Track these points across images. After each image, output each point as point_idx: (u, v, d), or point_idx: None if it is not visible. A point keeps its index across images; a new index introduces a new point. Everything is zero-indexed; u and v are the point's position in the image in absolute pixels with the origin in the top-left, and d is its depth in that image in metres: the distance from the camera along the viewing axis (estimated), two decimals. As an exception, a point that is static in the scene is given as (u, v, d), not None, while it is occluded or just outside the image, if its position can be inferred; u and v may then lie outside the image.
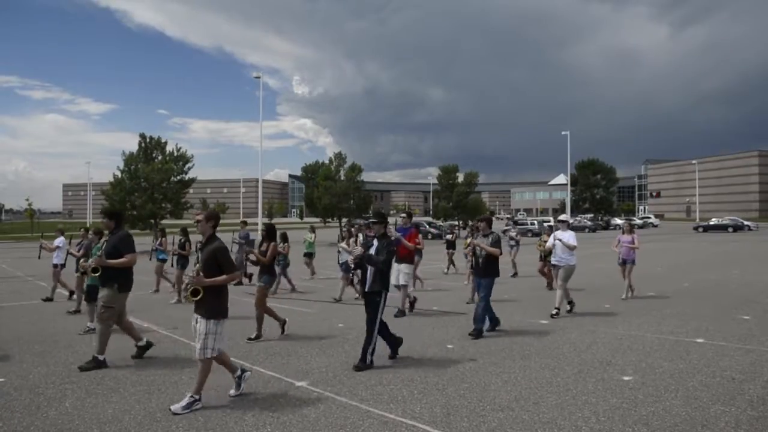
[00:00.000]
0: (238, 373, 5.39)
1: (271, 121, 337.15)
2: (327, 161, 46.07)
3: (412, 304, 10.08)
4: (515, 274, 15.87)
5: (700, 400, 5.02)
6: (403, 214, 10.56)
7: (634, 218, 71.73)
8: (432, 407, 4.95)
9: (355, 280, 11.57)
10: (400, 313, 9.60)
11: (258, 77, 37.96)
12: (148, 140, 35.94)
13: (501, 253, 8.10)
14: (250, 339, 7.76)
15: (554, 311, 9.41)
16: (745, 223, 51.67)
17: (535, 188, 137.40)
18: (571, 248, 9.47)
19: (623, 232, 11.71)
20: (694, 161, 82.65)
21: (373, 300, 6.49)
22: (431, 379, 5.82)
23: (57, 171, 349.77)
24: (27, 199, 60.35)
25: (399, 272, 9.62)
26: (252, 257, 8.18)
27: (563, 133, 65.80)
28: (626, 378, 5.75)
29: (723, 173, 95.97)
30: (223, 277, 5.14)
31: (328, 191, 41.00)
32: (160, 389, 5.58)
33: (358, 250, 6.74)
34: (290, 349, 7.26)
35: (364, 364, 6.24)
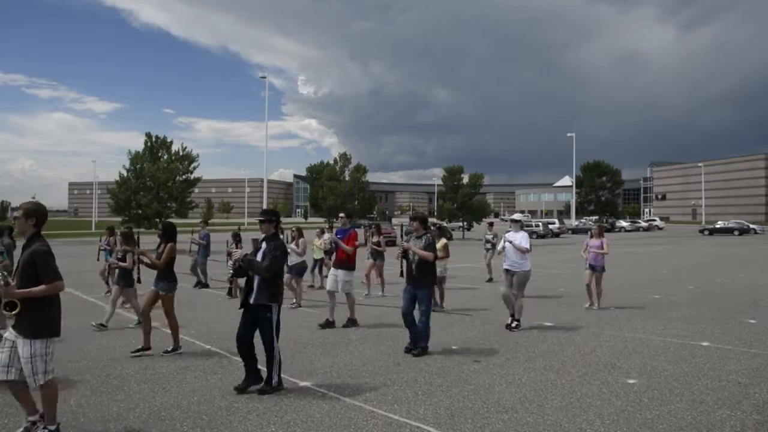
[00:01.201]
0: (33, 418, 4.22)
1: (276, 121, 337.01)
2: (332, 162, 46.15)
3: (327, 322, 8.72)
4: (490, 279, 14.86)
5: (706, 404, 5.00)
6: (342, 214, 9.63)
7: (639, 221, 71.48)
8: (436, 408, 4.95)
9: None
10: (350, 323, 8.77)
11: (264, 77, 38.09)
12: (153, 139, 35.99)
13: (436, 257, 7.12)
14: (166, 352, 6.98)
15: (513, 323, 8.47)
16: (751, 226, 51.42)
17: (540, 190, 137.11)
18: (523, 251, 8.38)
19: (592, 236, 10.65)
20: (700, 164, 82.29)
21: (262, 315, 5.50)
22: (435, 380, 5.82)
23: (63, 169, 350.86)
24: (33, 197, 60.65)
25: (337, 279, 8.84)
26: (145, 259, 7.23)
27: (569, 134, 65.97)
28: (631, 381, 5.74)
29: (729, 176, 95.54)
30: (41, 287, 4.02)
31: (332, 192, 41.06)
32: (164, 388, 5.59)
33: (238, 253, 5.88)
34: (294, 349, 7.27)
35: (269, 386, 5.42)
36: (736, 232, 49.55)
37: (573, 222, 62.54)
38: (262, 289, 5.48)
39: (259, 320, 5.51)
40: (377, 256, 12.58)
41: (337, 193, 41.11)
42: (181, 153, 36.17)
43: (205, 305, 11.03)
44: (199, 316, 9.81)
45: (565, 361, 6.58)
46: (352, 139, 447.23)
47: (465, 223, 47.67)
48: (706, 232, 50.90)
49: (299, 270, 11.21)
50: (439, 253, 9.22)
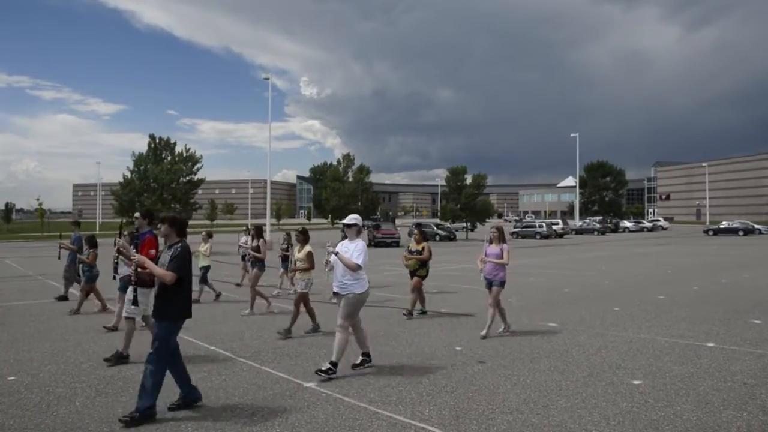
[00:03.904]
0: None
1: (279, 122, 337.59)
2: (335, 162, 46.24)
3: (119, 355, 6.68)
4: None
5: (711, 405, 4.98)
6: (137, 214, 7.17)
7: (643, 221, 71.29)
8: (441, 409, 4.94)
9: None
10: (113, 358, 6.63)
11: (267, 78, 38.10)
12: (157, 141, 36.14)
13: (172, 279, 4.86)
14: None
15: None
16: (756, 226, 51.20)
17: (544, 190, 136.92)
18: (352, 269, 6.13)
19: (490, 242, 8.30)
20: (704, 164, 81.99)
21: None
22: (440, 381, 5.81)
23: (67, 171, 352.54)
24: (37, 199, 60.74)
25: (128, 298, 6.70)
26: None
27: (572, 135, 65.90)
28: (636, 382, 5.72)
29: (734, 176, 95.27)
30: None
31: (336, 192, 41.11)
32: (169, 388, 5.59)
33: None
34: (298, 350, 7.28)
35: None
36: (740, 233, 49.33)
37: (577, 222, 62.43)
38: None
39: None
40: (256, 263, 10.51)
41: (340, 194, 41.16)
42: (184, 154, 36.32)
43: (207, 307, 11.03)
44: (201, 316, 9.83)
45: (570, 361, 6.56)
46: (356, 140, 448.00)
47: (468, 224, 47.61)
48: (711, 233, 50.69)
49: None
50: (300, 263, 8.42)
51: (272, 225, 37.87)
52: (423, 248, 9.94)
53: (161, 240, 5.53)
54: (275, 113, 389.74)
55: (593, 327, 8.65)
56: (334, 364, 6.01)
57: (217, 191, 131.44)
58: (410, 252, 10.11)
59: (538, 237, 45.53)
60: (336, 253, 6.20)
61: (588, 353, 6.96)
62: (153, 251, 6.23)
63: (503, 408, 4.97)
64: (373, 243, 34.38)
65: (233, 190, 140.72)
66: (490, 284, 8.16)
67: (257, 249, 10.55)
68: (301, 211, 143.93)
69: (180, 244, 4.96)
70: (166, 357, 4.90)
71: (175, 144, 36.48)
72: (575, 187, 74.36)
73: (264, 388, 5.57)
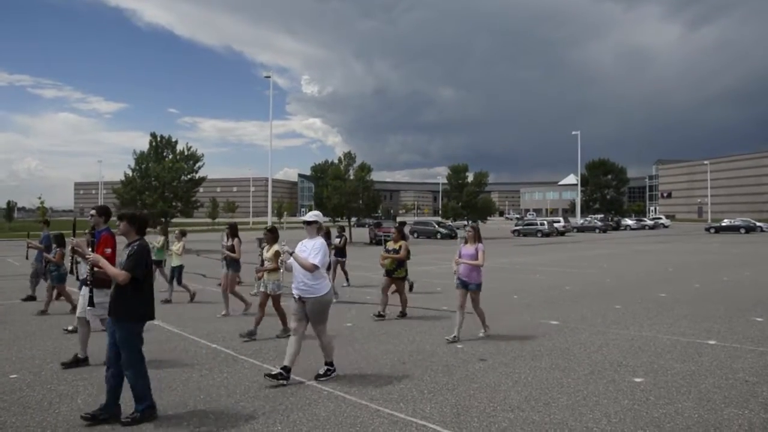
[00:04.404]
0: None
1: (280, 121, 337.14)
2: (336, 161, 46.06)
3: (76, 359, 6.48)
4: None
5: (713, 403, 4.98)
6: (92, 211, 6.43)
7: (645, 219, 71.22)
8: (442, 407, 4.94)
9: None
10: (72, 362, 6.40)
11: (268, 77, 38.11)
12: (158, 139, 36.12)
13: (125, 279, 4.60)
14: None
15: (323, 370, 6.45)
16: (758, 224, 51.15)
17: (545, 188, 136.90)
18: (309, 269, 5.68)
19: (465, 242, 7.88)
20: (706, 162, 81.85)
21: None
22: (441, 378, 5.81)
23: (69, 169, 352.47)
24: (39, 197, 60.91)
25: (83, 299, 6.35)
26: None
27: (573, 132, 65.79)
28: (638, 379, 5.71)
29: (735, 174, 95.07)
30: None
31: (337, 191, 40.98)
32: (170, 386, 5.60)
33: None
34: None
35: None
36: (742, 230, 49.29)
37: (578, 220, 62.39)
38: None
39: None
40: (232, 264, 9.99)
41: (341, 192, 41.02)
42: (186, 152, 36.29)
43: (208, 306, 11.04)
44: (203, 315, 9.84)
45: (571, 359, 6.56)
46: (357, 138, 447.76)
47: (470, 222, 47.61)
48: (713, 230, 50.64)
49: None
50: (268, 263, 8.00)
51: (274, 223, 37.89)
52: (400, 247, 9.53)
53: (122, 239, 5.12)
54: (276, 111, 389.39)
55: (594, 325, 8.65)
56: (331, 364, 5.94)
57: (218, 189, 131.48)
58: (387, 251, 9.65)
59: (539, 235, 45.48)
60: (291, 253, 5.82)
61: (589, 351, 6.96)
62: (109, 250, 5.80)
63: (504, 406, 4.97)
64: (375, 241, 35.12)
65: (235, 189, 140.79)
66: (464, 286, 7.71)
67: (232, 249, 9.91)
68: (303, 209, 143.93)
69: (137, 243, 4.74)
70: (139, 356, 4.71)
71: (176, 142, 36.44)
72: (577, 185, 74.32)
73: (265, 386, 5.57)
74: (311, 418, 4.69)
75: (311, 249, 5.77)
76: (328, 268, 13.14)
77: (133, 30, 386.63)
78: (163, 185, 34.39)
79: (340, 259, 13.49)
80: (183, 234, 12.17)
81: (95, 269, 5.26)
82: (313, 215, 6.06)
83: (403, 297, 9.55)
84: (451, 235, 42.16)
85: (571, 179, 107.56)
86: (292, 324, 5.96)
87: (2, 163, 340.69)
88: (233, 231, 10.14)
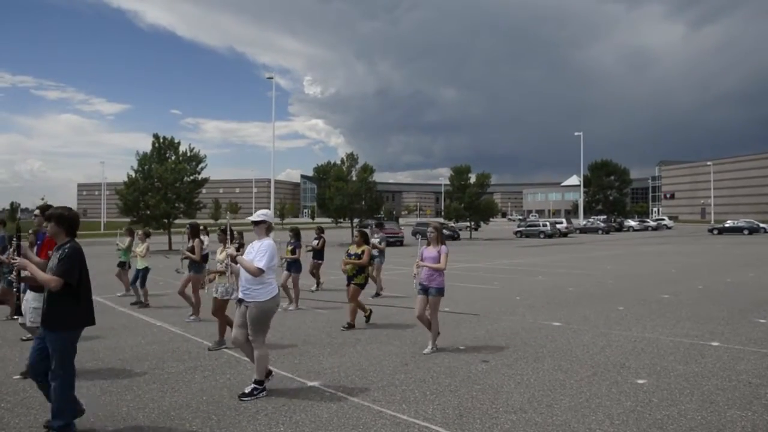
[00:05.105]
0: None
1: (282, 122, 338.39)
2: (339, 162, 46.10)
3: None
4: (377, 294, 12.19)
5: (716, 404, 4.97)
6: (36, 212, 6.24)
7: (648, 220, 71.09)
8: (444, 408, 4.94)
9: None
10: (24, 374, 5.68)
11: (270, 78, 38.20)
12: (161, 140, 36.19)
13: (57, 285, 4.15)
14: None
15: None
16: (761, 225, 51.01)
17: (548, 189, 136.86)
18: (254, 274, 5.31)
19: (428, 243, 7.23)
20: (709, 162, 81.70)
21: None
22: (443, 380, 5.81)
23: (72, 170, 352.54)
24: (42, 198, 61.23)
25: (26, 305, 5.75)
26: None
27: (576, 133, 65.84)
28: (640, 381, 5.71)
29: (739, 175, 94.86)
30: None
31: (339, 192, 41.04)
32: (173, 387, 5.61)
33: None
34: (302, 349, 7.29)
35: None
36: (745, 231, 49.15)
37: (581, 221, 62.31)
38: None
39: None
40: (193, 266, 9.59)
41: (344, 193, 41.08)
42: (188, 154, 36.36)
43: (209, 306, 11.03)
44: (204, 317, 9.84)
45: (574, 360, 6.55)
46: (359, 139, 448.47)
47: (472, 223, 47.58)
48: (716, 231, 50.52)
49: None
50: (220, 266, 7.50)
51: (276, 224, 37.96)
52: (363, 252, 8.88)
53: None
54: (279, 112, 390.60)
55: (597, 326, 8.64)
56: (260, 383, 5.37)
57: (221, 190, 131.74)
58: (349, 255, 8.94)
59: (542, 236, 45.47)
60: (234, 256, 5.49)
61: (592, 352, 6.95)
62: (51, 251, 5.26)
63: (507, 407, 4.96)
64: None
65: (237, 190, 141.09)
66: (425, 291, 7.03)
67: (192, 250, 9.47)
68: (305, 210, 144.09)
69: (68, 245, 4.31)
70: (71, 370, 4.34)
71: (179, 143, 36.51)
72: (579, 186, 74.22)
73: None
74: (314, 419, 4.69)
75: (257, 251, 5.39)
76: (312, 271, 13.06)
77: (136, 31, 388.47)
78: (166, 186, 34.45)
79: (317, 261, 13.23)
80: (147, 235, 11.81)
81: (22, 274, 4.90)
82: (261, 214, 5.69)
83: (353, 306, 8.67)
84: (453, 237, 42.16)
85: (574, 180, 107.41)
86: (233, 332, 5.62)
87: (5, 165, 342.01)
88: (194, 232, 9.67)
